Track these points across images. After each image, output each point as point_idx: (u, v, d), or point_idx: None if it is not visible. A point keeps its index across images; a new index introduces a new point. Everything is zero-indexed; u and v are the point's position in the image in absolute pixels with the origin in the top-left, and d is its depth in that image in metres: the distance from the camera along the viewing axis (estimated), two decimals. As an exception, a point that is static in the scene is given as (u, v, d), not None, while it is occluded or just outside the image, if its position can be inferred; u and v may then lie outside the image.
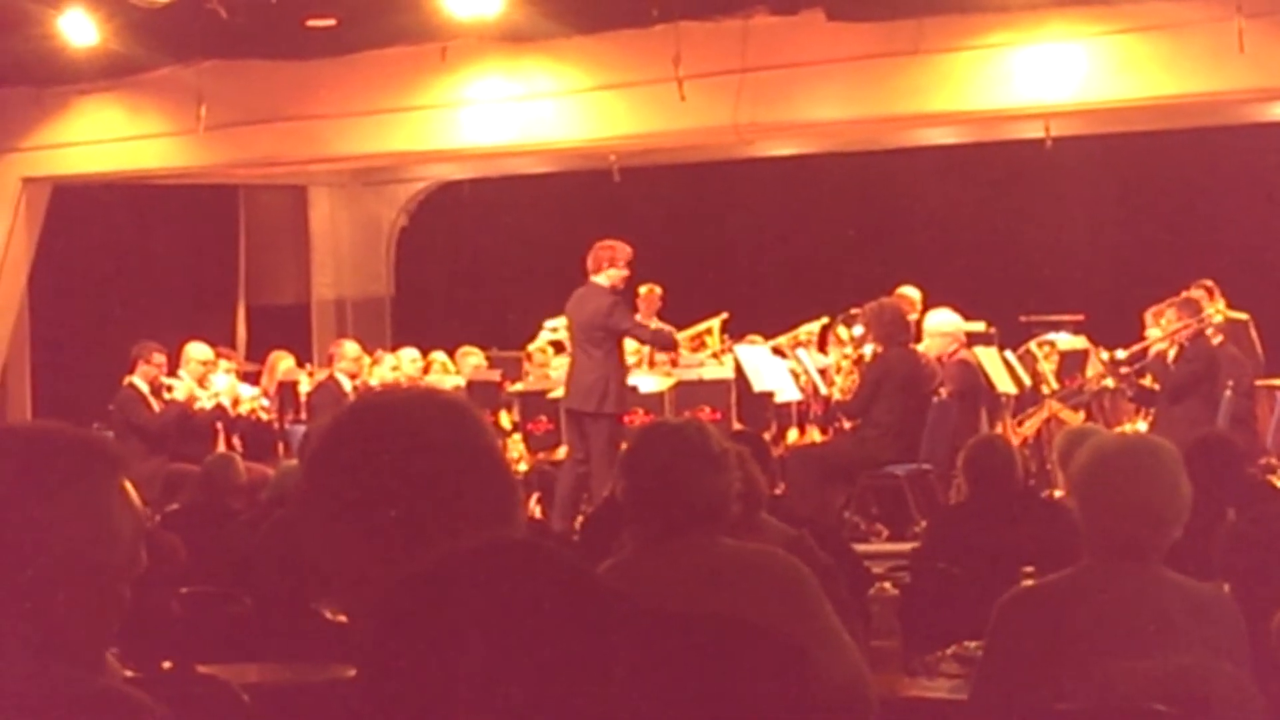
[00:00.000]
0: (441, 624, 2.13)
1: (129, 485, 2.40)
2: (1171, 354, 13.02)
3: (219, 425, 14.00)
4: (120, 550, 2.35)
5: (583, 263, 12.49)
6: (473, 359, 15.41)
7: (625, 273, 12.40)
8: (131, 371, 13.85)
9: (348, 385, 14.09)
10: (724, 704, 2.16)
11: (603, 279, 12.33)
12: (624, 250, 12.38)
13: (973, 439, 8.61)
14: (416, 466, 2.32)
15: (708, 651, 2.20)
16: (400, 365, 14.92)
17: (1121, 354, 13.52)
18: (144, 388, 13.75)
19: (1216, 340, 13.12)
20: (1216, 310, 13.33)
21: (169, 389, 13.84)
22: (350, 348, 14.76)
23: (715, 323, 14.52)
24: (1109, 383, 13.87)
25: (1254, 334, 13.96)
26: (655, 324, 14.20)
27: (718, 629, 2.29)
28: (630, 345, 13.95)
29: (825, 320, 14.19)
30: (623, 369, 12.60)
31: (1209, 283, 13.93)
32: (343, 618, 2.50)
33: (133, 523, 2.38)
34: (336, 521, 2.35)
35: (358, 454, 2.35)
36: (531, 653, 2.09)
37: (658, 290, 15.40)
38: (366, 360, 14.77)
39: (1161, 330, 13.29)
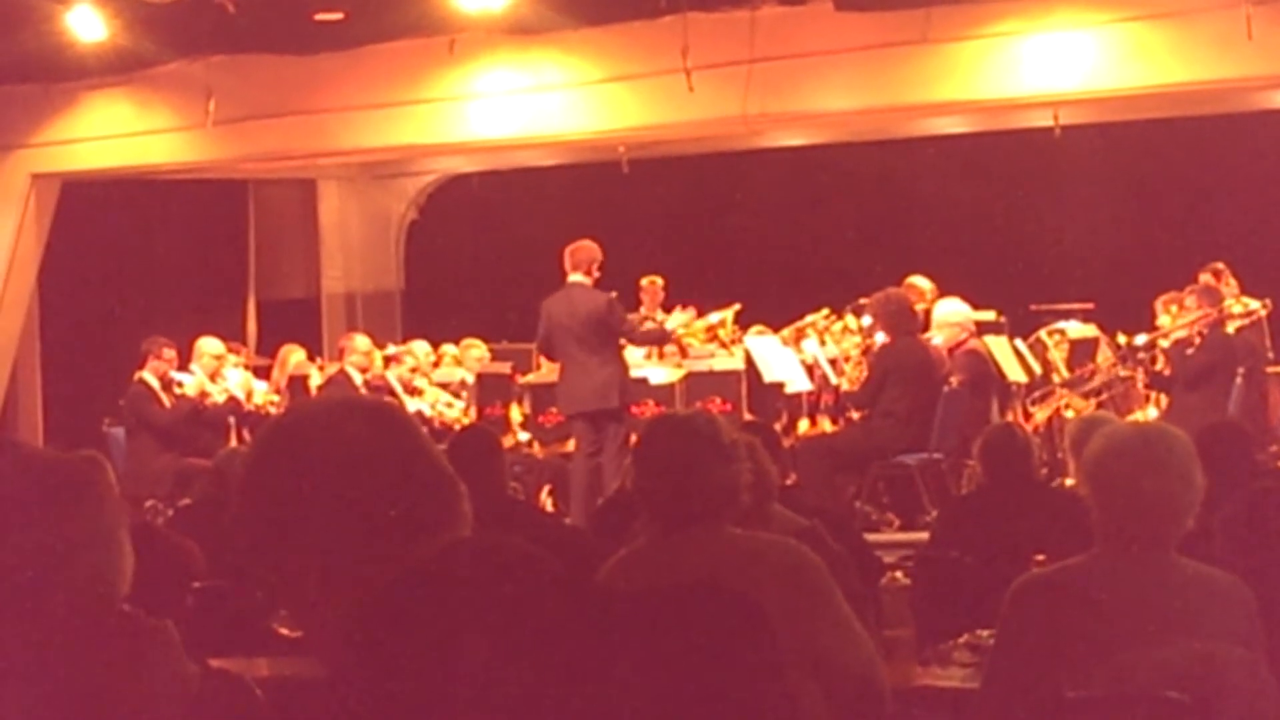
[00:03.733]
0: (412, 631, 2.09)
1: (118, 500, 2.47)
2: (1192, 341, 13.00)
3: (231, 420, 14.01)
4: (124, 561, 2.43)
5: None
6: (476, 351, 15.39)
7: (598, 275, 12.48)
8: (142, 367, 13.86)
9: (358, 379, 14.09)
10: (695, 674, 2.14)
11: (586, 279, 12.38)
12: (598, 251, 12.47)
13: (990, 426, 8.61)
14: (350, 480, 2.24)
15: (674, 626, 2.18)
16: (419, 361, 14.89)
17: (1141, 339, 13.48)
18: (154, 383, 13.77)
19: (1233, 327, 13.10)
20: (1236, 299, 13.32)
21: (179, 384, 13.84)
22: (361, 341, 14.75)
23: (729, 314, 14.52)
24: (1120, 371, 13.85)
25: (1264, 323, 13.93)
26: (649, 324, 14.31)
27: (677, 601, 2.27)
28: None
29: (825, 311, 14.15)
30: (624, 361, 12.68)
31: (1220, 265, 13.93)
32: (293, 634, 2.46)
33: (126, 535, 2.45)
34: (277, 544, 2.28)
35: (288, 475, 2.27)
36: (505, 650, 2.06)
37: (659, 281, 15.41)
38: (378, 354, 14.75)
39: (1171, 318, 13.28)
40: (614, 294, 12.63)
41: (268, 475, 2.30)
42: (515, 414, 14.09)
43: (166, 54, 14.35)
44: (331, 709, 2.13)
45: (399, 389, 13.99)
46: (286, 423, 2.40)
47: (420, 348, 15.26)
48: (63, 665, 2.43)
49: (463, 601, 2.10)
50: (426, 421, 13.33)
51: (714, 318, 14.41)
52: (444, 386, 14.87)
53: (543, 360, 14.58)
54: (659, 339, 13.66)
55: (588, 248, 12.51)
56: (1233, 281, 13.87)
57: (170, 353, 13.92)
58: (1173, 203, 16.61)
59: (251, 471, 2.33)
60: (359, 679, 2.10)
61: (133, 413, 13.78)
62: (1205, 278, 13.73)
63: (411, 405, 13.54)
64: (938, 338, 13.01)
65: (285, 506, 2.26)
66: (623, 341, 12.80)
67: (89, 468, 2.54)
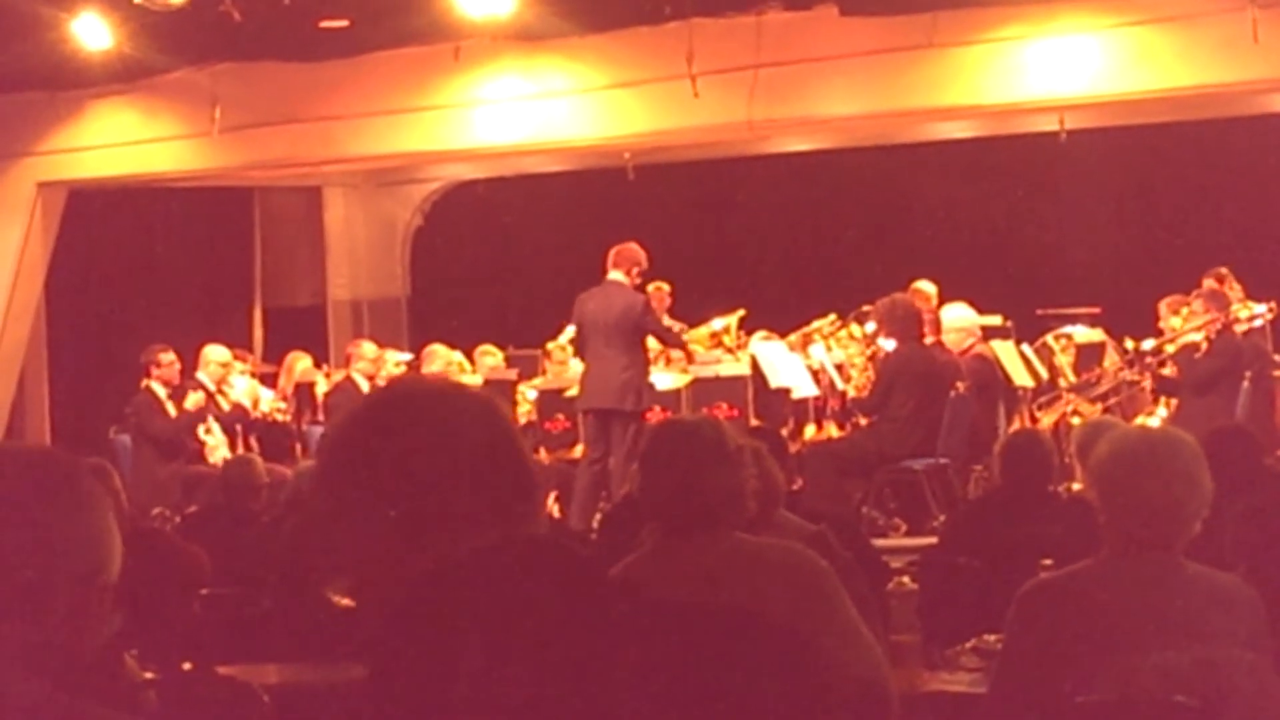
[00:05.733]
0: (454, 622, 2.11)
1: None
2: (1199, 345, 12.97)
3: (238, 427, 14.01)
4: (114, 555, 2.43)
5: (598, 261, 12.57)
6: (490, 359, 15.39)
7: (640, 278, 12.56)
8: (147, 376, 13.82)
9: (365, 386, 14.10)
10: (733, 698, 2.15)
11: (624, 278, 12.42)
12: (642, 254, 12.53)
13: (1016, 430, 8.59)
14: (437, 460, 2.28)
15: (717, 647, 2.19)
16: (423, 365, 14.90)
17: (1148, 344, 13.46)
18: (161, 391, 13.72)
19: (1240, 330, 13.08)
20: (1242, 304, 13.30)
21: (185, 395, 13.77)
22: (368, 348, 14.77)
23: (733, 320, 14.53)
24: (1127, 375, 13.84)
25: (1269, 327, 13.91)
26: (667, 322, 14.31)
27: (726, 624, 2.28)
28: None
29: (832, 317, 14.15)
30: (648, 366, 12.70)
31: (1224, 270, 13.91)
32: (349, 603, 2.47)
33: (116, 531, 2.46)
34: (352, 513, 2.31)
35: (378, 445, 2.31)
36: (543, 651, 2.07)
37: (666, 288, 15.40)
38: (391, 356, 14.77)
39: (1182, 320, 13.24)
40: (646, 296, 12.71)
41: (363, 442, 2.32)
42: (520, 419, 14.08)
43: (172, 62, 14.36)
44: (372, 689, 2.15)
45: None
46: (388, 394, 2.46)
47: (445, 353, 15.21)
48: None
49: (500, 594, 2.12)
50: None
51: (717, 324, 14.41)
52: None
53: (549, 367, 14.59)
54: (679, 342, 13.63)
55: (632, 249, 12.58)
56: (1237, 286, 13.86)
57: (168, 357, 13.81)
58: (1178, 206, 16.60)
59: (347, 435, 2.35)
60: (393, 662, 2.14)
61: (136, 423, 13.76)
62: (1209, 282, 13.71)
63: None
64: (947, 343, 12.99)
65: (373, 475, 2.28)
66: (650, 341, 12.86)
67: (72, 462, 2.56)
